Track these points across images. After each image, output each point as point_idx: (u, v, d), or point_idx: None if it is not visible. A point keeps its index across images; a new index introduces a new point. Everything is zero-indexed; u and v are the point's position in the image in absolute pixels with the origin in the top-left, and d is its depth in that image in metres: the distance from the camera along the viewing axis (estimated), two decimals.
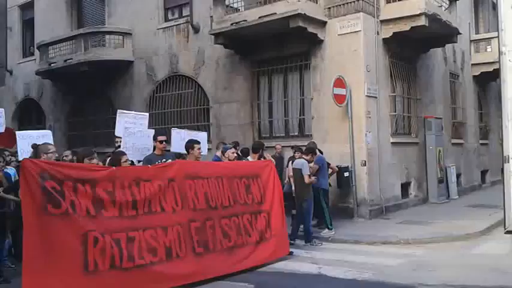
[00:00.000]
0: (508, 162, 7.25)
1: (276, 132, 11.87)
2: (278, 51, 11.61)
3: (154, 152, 6.88)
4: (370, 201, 10.24)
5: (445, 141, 13.63)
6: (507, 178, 7.26)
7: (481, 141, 16.71)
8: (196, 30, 13.07)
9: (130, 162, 6.49)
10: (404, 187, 11.89)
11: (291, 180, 8.37)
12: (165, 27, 13.90)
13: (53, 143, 7.01)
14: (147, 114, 8.50)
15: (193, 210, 5.97)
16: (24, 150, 7.33)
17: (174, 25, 13.72)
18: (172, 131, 8.17)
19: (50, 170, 4.91)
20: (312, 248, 7.74)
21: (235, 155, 7.58)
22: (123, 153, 6.34)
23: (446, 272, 6.13)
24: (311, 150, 8.59)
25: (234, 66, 12.41)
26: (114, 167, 5.59)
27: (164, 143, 6.87)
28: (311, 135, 11.02)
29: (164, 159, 6.51)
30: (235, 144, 8.63)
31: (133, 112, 8.60)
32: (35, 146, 6.59)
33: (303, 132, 11.43)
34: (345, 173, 10.00)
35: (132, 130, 7.38)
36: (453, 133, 14.66)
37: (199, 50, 13.01)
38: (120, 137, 7.47)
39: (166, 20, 14.11)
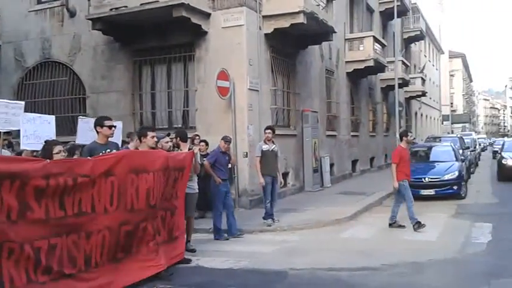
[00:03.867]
0: None
1: (159, 123, 11.64)
2: (161, 41, 11.38)
3: (97, 140, 5.85)
4: (251, 192, 10.57)
5: (320, 133, 14.56)
6: None
7: (352, 133, 18.15)
8: (72, 14, 12.30)
9: (64, 155, 5.52)
10: (283, 177, 12.44)
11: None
12: (37, 10, 12.89)
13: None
14: (23, 103, 7.64)
15: (130, 211, 5.15)
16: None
17: (47, 8, 12.76)
18: (79, 120, 7.54)
19: None
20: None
21: (170, 144, 6.81)
22: (57, 143, 5.40)
23: (316, 256, 6.58)
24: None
25: (114, 54, 11.90)
26: (48, 160, 4.61)
27: (113, 128, 5.94)
28: (195, 127, 11.04)
29: (108, 150, 5.62)
30: (168, 134, 7.99)
31: (5, 100, 7.77)
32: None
33: (187, 124, 11.39)
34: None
35: (32, 116, 6.76)
36: (327, 125, 15.72)
37: (75, 35, 12.27)
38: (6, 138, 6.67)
39: (39, 2, 13.08)
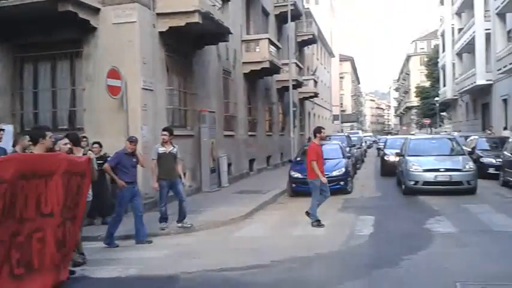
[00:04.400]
0: None
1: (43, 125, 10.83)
2: (46, 36, 10.60)
3: None
4: (145, 195, 10.22)
5: (218, 133, 14.60)
6: None
7: (249, 133, 18.48)
8: None
9: None
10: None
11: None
12: None
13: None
14: None
15: (20, 220, 4.58)
16: None
17: None
18: None
19: None
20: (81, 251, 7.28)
21: (69, 146, 6.19)
22: None
23: (209, 258, 6.54)
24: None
25: None
26: None
27: (1, 132, 5.34)
28: (83, 128, 10.44)
29: None
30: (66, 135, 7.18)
31: None
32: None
33: (73, 125, 10.74)
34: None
35: None
36: (225, 126, 15.81)
37: None
38: None
39: None
